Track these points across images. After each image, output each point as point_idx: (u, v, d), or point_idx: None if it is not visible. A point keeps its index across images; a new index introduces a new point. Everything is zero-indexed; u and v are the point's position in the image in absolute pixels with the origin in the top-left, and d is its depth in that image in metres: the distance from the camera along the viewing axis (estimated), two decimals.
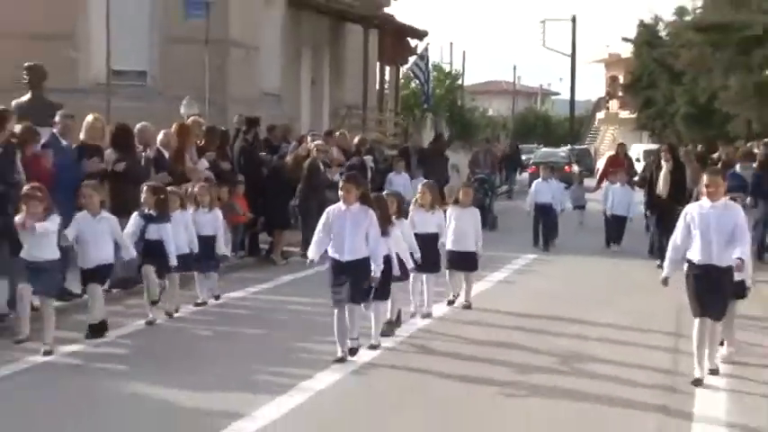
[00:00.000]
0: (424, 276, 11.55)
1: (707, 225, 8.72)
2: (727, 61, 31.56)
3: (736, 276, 8.93)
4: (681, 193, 16.60)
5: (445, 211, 12.38)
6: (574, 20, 61.48)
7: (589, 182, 27.27)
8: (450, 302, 12.48)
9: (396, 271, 10.03)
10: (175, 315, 11.70)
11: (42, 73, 14.56)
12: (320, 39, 29.28)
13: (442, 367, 9.20)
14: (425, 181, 14.23)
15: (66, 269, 10.73)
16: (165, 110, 17.52)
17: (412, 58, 33.90)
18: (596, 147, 63.96)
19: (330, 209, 9.45)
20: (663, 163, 17.60)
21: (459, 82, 64.95)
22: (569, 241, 20.68)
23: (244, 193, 16.38)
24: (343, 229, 9.19)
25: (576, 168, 37.96)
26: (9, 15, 22.07)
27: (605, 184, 21.74)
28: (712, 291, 8.72)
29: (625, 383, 8.67)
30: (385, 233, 9.58)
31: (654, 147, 33.92)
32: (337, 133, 21.23)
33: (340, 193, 9.38)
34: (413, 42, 33.37)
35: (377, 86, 33.25)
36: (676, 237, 9.02)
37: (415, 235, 11.14)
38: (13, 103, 13.49)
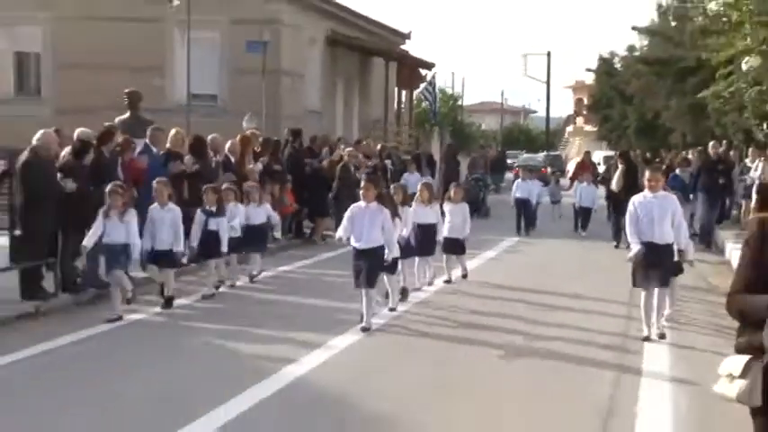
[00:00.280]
0: (423, 259, 11.46)
1: (650, 211, 8.69)
2: (667, 87, 31.57)
3: (676, 257, 8.89)
4: (632, 189, 16.52)
5: (441, 206, 12.25)
6: (549, 55, 61.04)
7: (564, 181, 27.10)
8: (447, 281, 12.12)
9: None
10: (237, 284, 11.65)
11: (138, 97, 14.68)
12: (351, 69, 29.23)
13: (441, 330, 9.15)
14: (424, 181, 14.22)
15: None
16: (231, 124, 17.51)
17: (422, 84, 33.72)
18: (566, 153, 63.56)
19: (353, 206, 9.31)
20: (619, 165, 17.56)
21: (459, 102, 64.65)
22: (546, 228, 20.55)
23: (291, 189, 16.39)
24: (362, 223, 9.06)
25: (550, 170, 37.87)
26: (114, 55, 22.34)
27: (575, 183, 21.68)
28: (655, 263, 8.63)
29: (588, 344, 8.55)
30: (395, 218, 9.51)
31: (611, 153, 33.98)
32: (364, 142, 21.20)
33: (361, 191, 9.27)
34: (423, 72, 33.21)
35: (395, 106, 33.21)
36: (629, 220, 8.89)
37: (417, 225, 11.09)
38: (117, 120, 13.64)
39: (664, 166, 19.47)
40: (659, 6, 35.32)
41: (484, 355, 8.24)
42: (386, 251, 9.05)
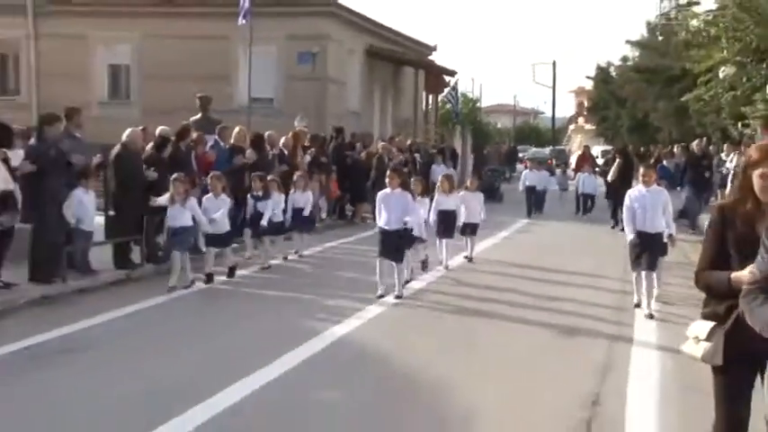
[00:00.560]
0: (444, 241, 11.29)
1: (644, 204, 8.48)
2: (656, 92, 31.20)
3: (664, 240, 8.71)
4: (627, 180, 16.34)
5: (459, 194, 12.06)
6: (554, 64, 60.58)
7: (569, 172, 26.92)
8: (469, 259, 11.92)
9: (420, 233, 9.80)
10: (289, 258, 11.62)
11: (209, 100, 14.77)
12: (386, 77, 29.09)
13: (456, 302, 8.99)
14: (444, 173, 14.13)
15: (198, 233, 10.06)
16: (285, 123, 17.50)
17: (446, 89, 33.44)
18: (569, 148, 62.80)
19: (380, 193, 9.19)
20: (616, 159, 17.50)
21: (478, 104, 64.03)
22: (554, 212, 20.34)
23: (335, 178, 16.41)
24: (388, 207, 8.93)
25: (554, 162, 37.71)
26: (189, 66, 22.48)
27: (578, 174, 21.58)
28: (646, 250, 8.45)
29: (584, 317, 8.30)
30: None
31: (608, 148, 33.66)
32: (396, 138, 21.16)
33: (387, 180, 9.13)
34: (447, 78, 32.90)
35: (423, 108, 33.00)
36: (626, 212, 8.68)
37: (439, 211, 10.96)
38: (191, 120, 13.72)
39: (653, 159, 19.31)
40: (648, 23, 35.62)
41: (497, 321, 8.16)
42: (408, 225, 8.93)
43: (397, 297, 8.95)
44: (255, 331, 7.59)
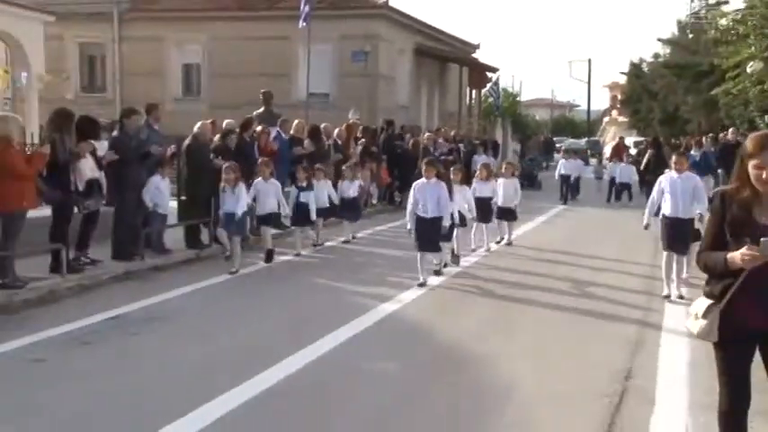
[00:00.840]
0: (483, 225, 11.07)
1: (675, 189, 8.10)
2: (685, 86, 30.49)
3: (697, 225, 8.36)
4: (660, 168, 15.94)
5: (496, 181, 11.70)
6: (589, 61, 59.23)
7: (605, 162, 26.41)
8: (498, 242, 11.64)
9: (457, 220, 9.16)
10: (340, 239, 11.54)
11: (270, 95, 14.81)
12: (432, 73, 28.89)
13: (490, 287, 8.65)
14: (482, 162, 13.88)
15: (247, 219, 9.82)
16: (339, 116, 17.52)
17: (489, 84, 33.05)
18: (603, 139, 61.63)
19: (416, 183, 8.64)
20: (649, 150, 17.13)
21: (518, 98, 63.29)
22: (589, 198, 19.97)
23: (385, 166, 16.36)
24: (424, 196, 8.52)
25: (589, 152, 37.12)
26: (254, 64, 22.79)
27: (612, 163, 21.16)
28: (678, 234, 8.11)
29: (614, 302, 7.89)
30: (451, 199, 8.79)
31: (640, 139, 33.02)
32: (442, 129, 21.03)
33: (423, 170, 8.71)
34: (489, 74, 32.53)
35: (467, 102, 32.73)
36: (653, 196, 8.44)
37: (476, 198, 10.49)
38: (254, 113, 13.77)
39: (682, 148, 18.81)
40: (679, 22, 35.11)
41: (534, 303, 7.94)
42: (443, 220, 8.52)
43: (436, 273, 8.81)
44: (316, 306, 7.59)
